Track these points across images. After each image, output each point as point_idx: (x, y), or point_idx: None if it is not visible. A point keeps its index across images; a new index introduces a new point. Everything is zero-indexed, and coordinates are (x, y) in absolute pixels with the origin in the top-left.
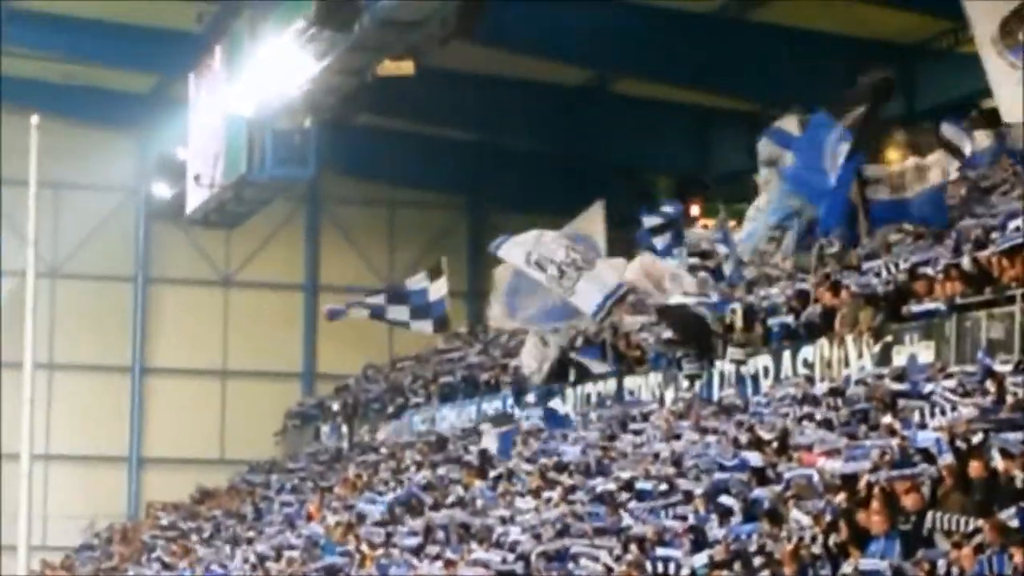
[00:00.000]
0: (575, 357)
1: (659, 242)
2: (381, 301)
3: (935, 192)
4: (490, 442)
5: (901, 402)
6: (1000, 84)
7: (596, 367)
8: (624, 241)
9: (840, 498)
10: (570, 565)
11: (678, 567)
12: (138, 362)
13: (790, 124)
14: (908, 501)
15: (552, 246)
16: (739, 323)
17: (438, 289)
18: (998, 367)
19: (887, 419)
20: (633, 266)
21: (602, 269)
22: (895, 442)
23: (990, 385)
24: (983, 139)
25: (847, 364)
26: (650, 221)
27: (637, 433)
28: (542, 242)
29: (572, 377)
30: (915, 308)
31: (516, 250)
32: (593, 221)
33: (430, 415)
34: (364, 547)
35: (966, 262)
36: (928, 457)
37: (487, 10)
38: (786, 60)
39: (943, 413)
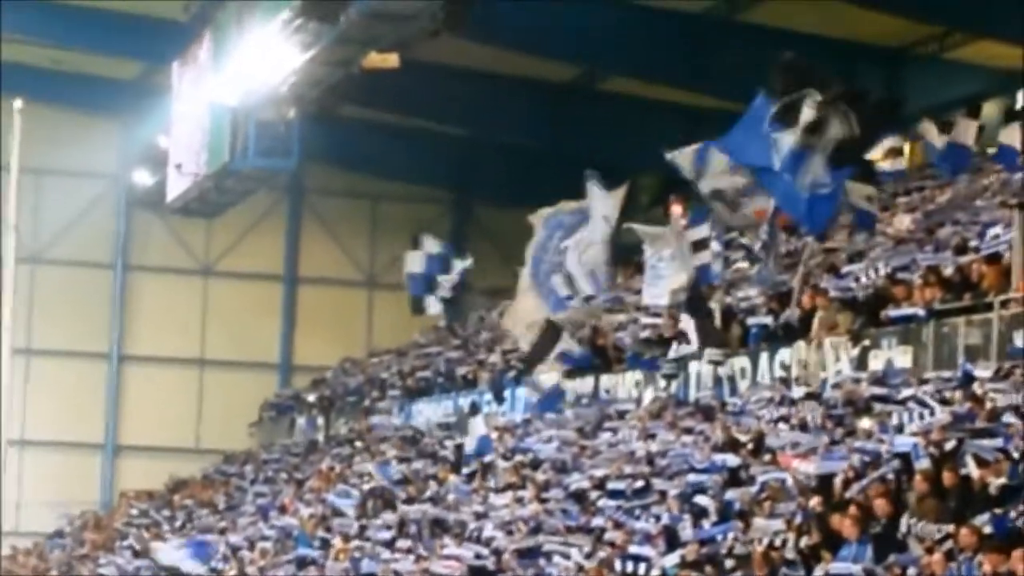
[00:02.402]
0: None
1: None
2: None
3: None
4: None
5: (877, 406)
6: None
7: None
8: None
9: (814, 501)
10: (542, 562)
11: (649, 566)
12: (116, 349)
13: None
14: (878, 506)
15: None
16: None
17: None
18: (979, 373)
19: (863, 423)
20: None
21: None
22: (872, 446)
23: (968, 391)
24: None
25: (824, 367)
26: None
27: (613, 432)
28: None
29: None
30: (893, 313)
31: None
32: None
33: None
34: (337, 540)
35: (945, 268)
36: (905, 462)
37: (476, 5)
38: (773, 60)
39: (920, 418)
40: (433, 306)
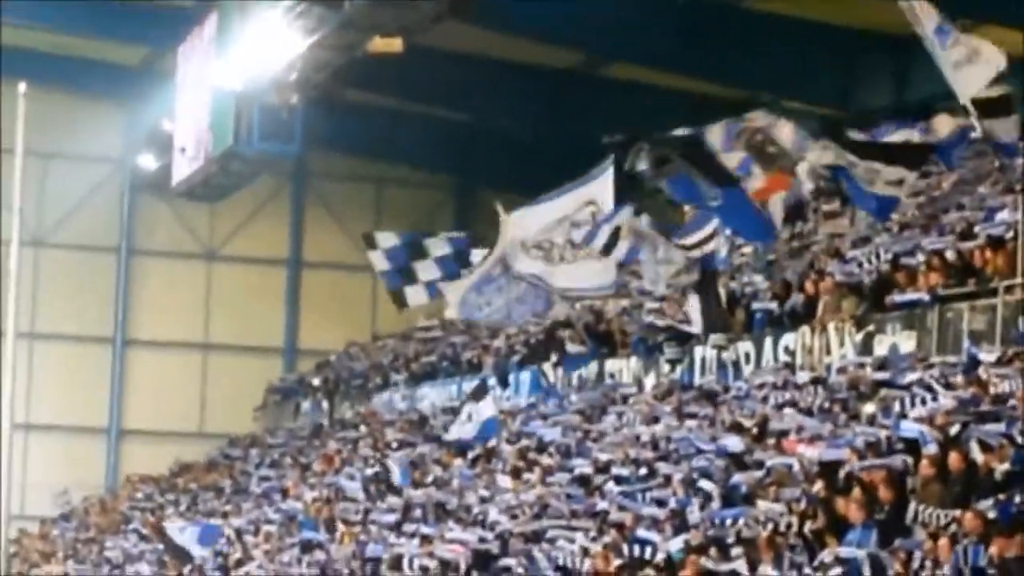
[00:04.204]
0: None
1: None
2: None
3: None
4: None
5: (882, 391)
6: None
7: (573, 348)
8: None
9: (819, 486)
10: (547, 546)
11: (655, 550)
12: (120, 333)
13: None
14: (882, 491)
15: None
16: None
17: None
18: (983, 358)
19: (868, 408)
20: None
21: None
22: (877, 431)
23: (972, 376)
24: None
25: (829, 352)
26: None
27: (618, 416)
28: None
29: (554, 358)
30: (898, 298)
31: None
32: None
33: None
34: (342, 523)
35: (949, 253)
36: (912, 447)
37: None
38: (777, 48)
39: (923, 403)
40: (415, 296)
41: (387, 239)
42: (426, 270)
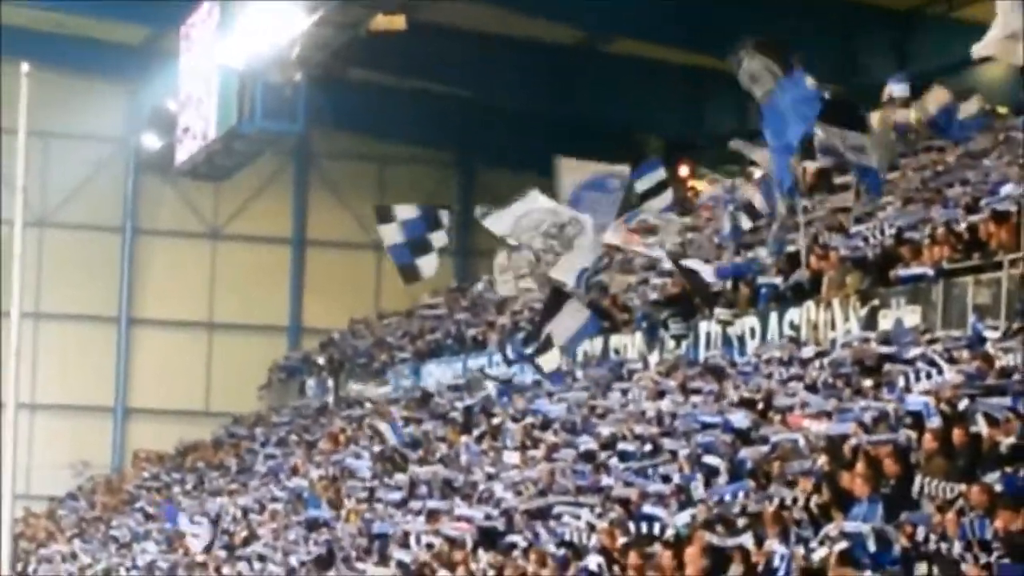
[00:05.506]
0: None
1: (655, 203)
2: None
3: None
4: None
5: (886, 366)
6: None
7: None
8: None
9: (823, 460)
10: (552, 523)
11: (661, 526)
12: (125, 313)
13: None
14: (888, 465)
15: (536, 217)
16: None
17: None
18: (988, 333)
19: (872, 382)
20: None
21: (583, 244)
22: (882, 405)
23: (977, 351)
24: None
25: (833, 327)
26: (642, 185)
27: (623, 392)
28: (527, 214)
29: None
30: (902, 272)
31: (504, 221)
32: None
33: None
34: (348, 501)
35: (955, 227)
36: (916, 421)
37: None
38: (780, 24)
39: (928, 378)
40: (428, 265)
41: (406, 211)
42: (440, 239)
